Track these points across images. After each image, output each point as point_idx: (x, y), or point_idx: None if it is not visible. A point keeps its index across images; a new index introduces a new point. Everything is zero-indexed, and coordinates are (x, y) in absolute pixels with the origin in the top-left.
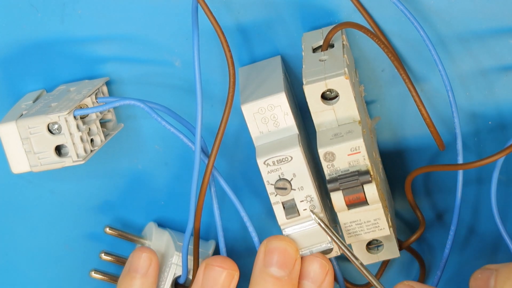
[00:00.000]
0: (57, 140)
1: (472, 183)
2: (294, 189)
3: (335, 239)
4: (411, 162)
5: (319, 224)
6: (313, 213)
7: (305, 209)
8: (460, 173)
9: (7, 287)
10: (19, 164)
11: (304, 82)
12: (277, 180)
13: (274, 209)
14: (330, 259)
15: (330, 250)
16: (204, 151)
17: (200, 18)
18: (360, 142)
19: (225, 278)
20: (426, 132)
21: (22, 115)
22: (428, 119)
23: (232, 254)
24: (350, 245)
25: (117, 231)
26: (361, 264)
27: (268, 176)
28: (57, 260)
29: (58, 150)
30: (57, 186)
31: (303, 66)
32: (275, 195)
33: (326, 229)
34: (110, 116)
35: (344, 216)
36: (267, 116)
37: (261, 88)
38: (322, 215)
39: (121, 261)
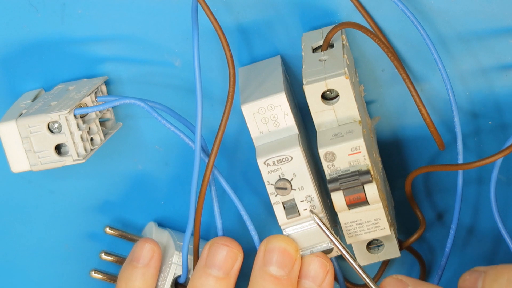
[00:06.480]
0: (57, 139)
1: (472, 183)
2: (294, 189)
3: (334, 241)
4: (411, 162)
5: (319, 225)
6: (313, 213)
7: (306, 209)
8: (460, 173)
9: (7, 287)
10: (19, 163)
11: (304, 82)
12: (277, 180)
13: (274, 209)
14: (330, 259)
15: (331, 250)
16: (204, 151)
17: (200, 18)
18: (360, 142)
19: (230, 256)
20: (426, 132)
21: (21, 114)
22: (428, 119)
23: None
24: (350, 245)
25: (117, 231)
26: (359, 266)
27: (268, 176)
28: (57, 260)
29: (58, 149)
30: (57, 186)
31: (303, 66)
32: (276, 195)
33: (326, 231)
34: (109, 115)
35: (345, 216)
36: (267, 116)
37: (261, 88)
38: (322, 215)
39: (121, 261)
